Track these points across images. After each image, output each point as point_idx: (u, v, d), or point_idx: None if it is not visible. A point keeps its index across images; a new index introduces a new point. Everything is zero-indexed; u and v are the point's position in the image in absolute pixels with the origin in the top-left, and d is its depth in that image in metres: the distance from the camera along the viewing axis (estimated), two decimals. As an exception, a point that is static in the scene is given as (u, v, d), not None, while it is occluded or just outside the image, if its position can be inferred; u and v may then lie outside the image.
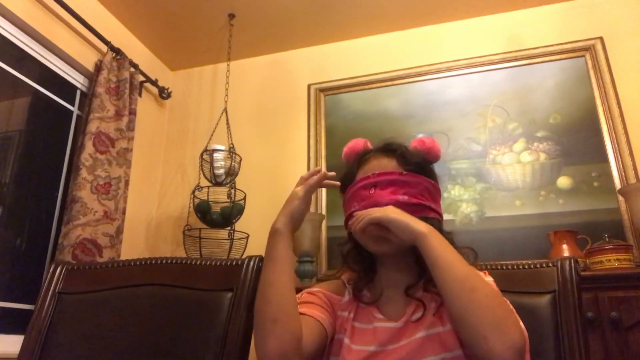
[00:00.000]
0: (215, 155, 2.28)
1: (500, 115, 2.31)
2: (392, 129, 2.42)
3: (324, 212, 2.36)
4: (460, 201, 2.23)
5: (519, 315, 0.74)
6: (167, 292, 1.11)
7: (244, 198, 2.32)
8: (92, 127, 2.10)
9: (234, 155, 2.30)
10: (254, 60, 2.84)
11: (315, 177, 0.86)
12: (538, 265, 0.99)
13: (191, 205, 2.30)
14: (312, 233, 2.11)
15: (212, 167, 2.26)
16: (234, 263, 1.10)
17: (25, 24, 1.97)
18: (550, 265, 0.98)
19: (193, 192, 2.29)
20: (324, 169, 2.46)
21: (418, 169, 0.90)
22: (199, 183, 2.31)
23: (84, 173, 2.01)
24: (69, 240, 1.89)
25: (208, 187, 2.27)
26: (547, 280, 0.96)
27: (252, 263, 1.08)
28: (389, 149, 0.93)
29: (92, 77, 2.27)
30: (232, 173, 2.28)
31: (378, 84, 2.54)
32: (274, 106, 2.71)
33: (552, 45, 2.32)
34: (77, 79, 2.31)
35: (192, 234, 2.23)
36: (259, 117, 2.72)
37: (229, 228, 2.25)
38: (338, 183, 0.91)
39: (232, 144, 2.34)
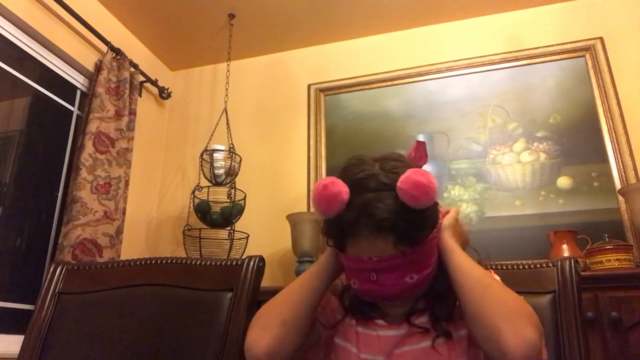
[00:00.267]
0: (215, 155, 2.28)
1: (500, 115, 2.31)
2: (392, 129, 2.43)
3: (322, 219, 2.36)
4: (460, 201, 2.23)
5: None
6: (167, 292, 1.11)
7: (244, 198, 2.32)
8: (92, 127, 2.10)
9: (234, 155, 2.30)
10: (254, 60, 2.84)
11: None
12: (538, 265, 0.99)
13: (191, 205, 2.30)
14: (312, 233, 2.11)
15: (212, 167, 2.26)
16: (234, 263, 1.10)
17: (25, 24, 1.97)
18: (550, 265, 0.98)
19: (193, 192, 2.29)
20: (324, 169, 2.46)
21: (419, 237, 0.75)
22: (199, 183, 2.31)
23: (84, 173, 2.01)
24: (69, 240, 1.89)
25: (208, 187, 2.27)
26: (547, 280, 0.96)
27: (252, 263, 1.08)
28: (383, 227, 0.72)
29: (92, 77, 2.27)
30: (232, 173, 2.28)
31: (378, 84, 2.54)
32: (274, 106, 2.71)
33: (552, 45, 2.32)
34: (77, 79, 2.31)
35: (192, 234, 2.22)
36: (259, 117, 2.72)
37: (229, 228, 2.25)
38: None
39: (232, 144, 2.34)
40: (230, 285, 1.06)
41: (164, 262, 1.17)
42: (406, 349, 0.79)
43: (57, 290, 1.19)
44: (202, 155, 2.31)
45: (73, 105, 2.31)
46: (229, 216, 2.23)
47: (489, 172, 2.25)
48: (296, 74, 2.73)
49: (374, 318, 0.84)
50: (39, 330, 1.13)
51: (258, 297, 1.04)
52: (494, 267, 1.02)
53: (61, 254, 1.86)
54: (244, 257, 1.13)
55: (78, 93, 2.34)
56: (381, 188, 0.74)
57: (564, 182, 2.13)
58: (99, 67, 2.27)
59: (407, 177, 0.72)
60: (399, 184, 0.72)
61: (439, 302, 0.80)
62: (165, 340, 1.05)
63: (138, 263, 1.19)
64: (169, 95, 2.80)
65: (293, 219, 2.18)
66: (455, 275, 0.76)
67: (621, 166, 2.05)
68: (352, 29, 2.62)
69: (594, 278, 1.61)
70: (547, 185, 2.15)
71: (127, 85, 2.31)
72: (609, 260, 1.70)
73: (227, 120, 2.40)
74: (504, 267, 1.02)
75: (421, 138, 2.40)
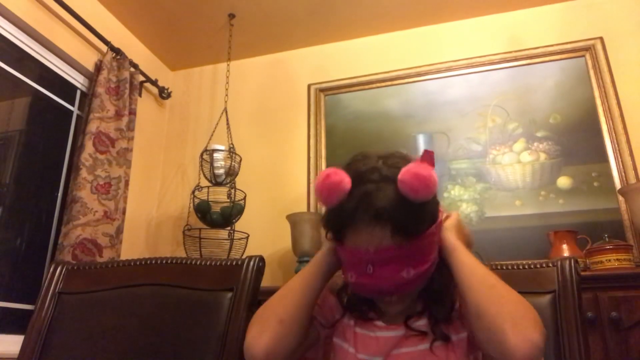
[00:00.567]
0: (215, 155, 2.28)
1: (500, 115, 2.31)
2: (392, 129, 2.43)
3: (323, 211, 2.36)
4: (460, 201, 2.23)
5: None
6: (167, 292, 1.11)
7: (244, 198, 2.32)
8: (92, 127, 2.10)
9: (234, 155, 2.30)
10: (254, 60, 2.84)
11: None
12: (538, 265, 0.99)
13: (191, 205, 2.30)
14: (311, 233, 2.12)
15: (212, 167, 2.26)
16: (234, 263, 1.10)
17: (25, 24, 1.97)
18: (550, 265, 0.98)
19: (193, 192, 2.29)
20: (324, 168, 2.45)
21: (417, 231, 0.75)
22: (199, 183, 2.31)
23: (84, 173, 2.01)
24: (69, 240, 1.89)
25: (208, 187, 2.27)
26: (547, 280, 0.96)
27: (252, 263, 1.08)
28: (381, 217, 0.73)
29: (92, 77, 2.27)
30: (232, 173, 2.28)
31: (378, 84, 2.54)
32: (274, 106, 2.71)
33: (552, 45, 2.32)
34: (77, 79, 2.31)
35: (192, 234, 2.22)
36: (259, 117, 2.72)
37: (229, 228, 2.25)
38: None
39: (232, 144, 2.34)
40: (230, 285, 1.06)
41: (164, 262, 1.17)
42: (404, 351, 0.78)
43: (57, 290, 1.19)
44: (202, 155, 2.31)
45: (73, 105, 2.31)
46: (229, 216, 2.23)
47: (489, 172, 2.25)
48: (296, 74, 2.73)
49: (372, 319, 0.84)
50: (39, 330, 1.13)
51: (258, 297, 1.04)
52: (494, 267, 1.02)
53: (61, 254, 1.86)
54: (244, 257, 1.13)
55: (78, 93, 2.34)
56: (382, 180, 0.75)
57: (564, 182, 2.13)
58: (99, 67, 2.27)
59: (408, 170, 0.73)
60: (400, 175, 0.72)
61: (436, 303, 0.80)
62: (165, 340, 1.05)
63: (138, 263, 1.19)
64: (169, 95, 2.80)
65: (293, 219, 2.18)
66: (459, 273, 0.75)
67: (621, 166, 2.05)
68: (352, 29, 2.62)
69: (594, 278, 1.61)
70: (547, 185, 2.15)
71: (127, 85, 2.31)
72: (609, 260, 1.70)
73: (227, 120, 2.40)
74: (504, 267, 1.02)
75: (421, 138, 2.40)
